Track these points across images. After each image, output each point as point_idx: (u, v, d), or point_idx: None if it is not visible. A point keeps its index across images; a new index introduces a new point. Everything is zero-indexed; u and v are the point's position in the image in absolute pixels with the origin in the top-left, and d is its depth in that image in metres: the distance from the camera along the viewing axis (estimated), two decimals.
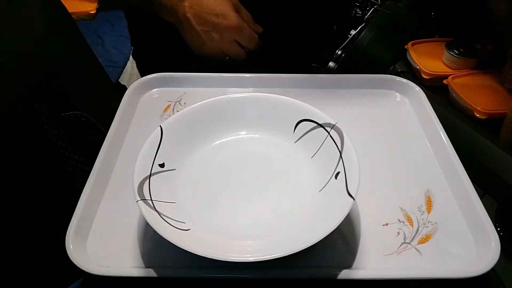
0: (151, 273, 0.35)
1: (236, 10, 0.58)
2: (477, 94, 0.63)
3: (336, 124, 0.42)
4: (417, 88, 0.54)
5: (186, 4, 0.57)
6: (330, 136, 0.42)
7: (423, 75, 0.72)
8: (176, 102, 0.55)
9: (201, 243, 0.35)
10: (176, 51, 0.62)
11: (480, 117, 0.60)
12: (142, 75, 0.58)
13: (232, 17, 0.57)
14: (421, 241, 0.38)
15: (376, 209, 0.41)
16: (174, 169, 0.42)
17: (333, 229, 0.33)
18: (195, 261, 0.34)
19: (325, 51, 0.62)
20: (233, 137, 0.47)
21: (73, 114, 0.54)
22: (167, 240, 0.32)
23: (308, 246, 0.32)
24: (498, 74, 0.68)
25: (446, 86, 0.67)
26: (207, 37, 0.58)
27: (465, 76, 0.68)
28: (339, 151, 0.40)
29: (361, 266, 0.37)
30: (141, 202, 0.36)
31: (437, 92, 0.68)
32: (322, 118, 0.43)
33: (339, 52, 0.60)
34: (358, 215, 0.41)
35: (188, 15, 0.57)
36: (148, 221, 0.34)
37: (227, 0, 0.58)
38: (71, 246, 0.36)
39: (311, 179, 0.42)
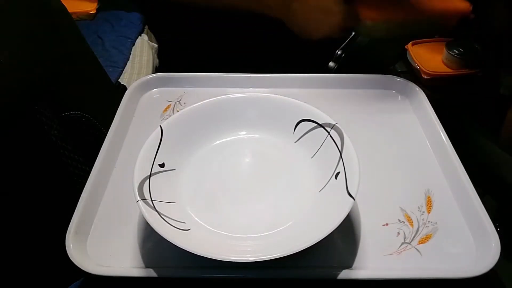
0: (151, 273, 0.35)
1: None
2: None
3: (336, 124, 0.42)
4: (417, 88, 0.54)
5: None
6: (330, 136, 0.42)
7: (423, 75, 0.72)
8: (176, 102, 0.55)
9: (201, 243, 0.35)
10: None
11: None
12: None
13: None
14: (421, 241, 0.38)
15: (376, 209, 0.41)
16: (174, 169, 0.42)
17: (333, 229, 0.33)
18: (195, 261, 0.34)
19: (325, 51, 0.61)
20: (233, 137, 0.47)
21: (73, 114, 0.54)
22: (167, 240, 0.32)
23: (308, 246, 0.32)
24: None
25: (446, 86, 0.68)
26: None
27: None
28: (339, 151, 0.40)
29: (361, 266, 0.37)
30: (141, 202, 0.36)
31: (437, 92, 0.68)
32: (322, 118, 0.43)
33: (339, 52, 0.60)
34: (358, 215, 0.41)
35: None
36: (148, 221, 0.34)
37: None
38: (71, 246, 0.36)
39: (311, 179, 0.42)
